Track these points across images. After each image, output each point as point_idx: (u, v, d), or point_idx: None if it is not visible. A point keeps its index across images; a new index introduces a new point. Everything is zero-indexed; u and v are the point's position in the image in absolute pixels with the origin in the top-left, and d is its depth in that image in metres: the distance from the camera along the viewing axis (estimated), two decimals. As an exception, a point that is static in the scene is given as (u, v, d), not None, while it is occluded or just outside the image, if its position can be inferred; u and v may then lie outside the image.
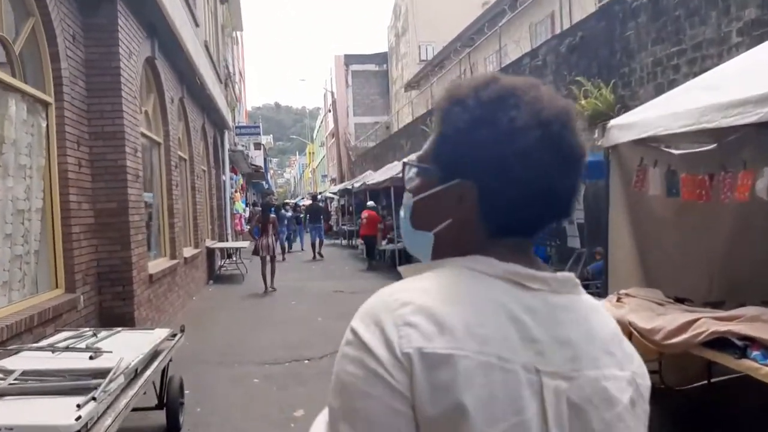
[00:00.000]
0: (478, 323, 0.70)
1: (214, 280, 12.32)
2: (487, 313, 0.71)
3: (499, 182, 0.76)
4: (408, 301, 0.72)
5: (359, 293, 10.08)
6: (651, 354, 3.34)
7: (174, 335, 4.23)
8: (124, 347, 3.45)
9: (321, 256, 16.93)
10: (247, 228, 22.39)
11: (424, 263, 0.84)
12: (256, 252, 11.23)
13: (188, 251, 9.89)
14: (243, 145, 19.65)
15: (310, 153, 70.17)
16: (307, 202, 39.70)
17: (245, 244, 13.89)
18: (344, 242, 21.73)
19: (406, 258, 12.95)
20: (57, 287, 5.08)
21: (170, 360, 3.92)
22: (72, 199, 5.23)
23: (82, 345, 3.51)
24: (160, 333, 4.00)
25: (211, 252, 12.51)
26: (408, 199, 0.87)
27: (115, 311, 5.83)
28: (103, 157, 5.82)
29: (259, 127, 22.38)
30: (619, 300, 3.80)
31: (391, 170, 15.06)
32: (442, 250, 0.82)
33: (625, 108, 7.87)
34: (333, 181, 41.31)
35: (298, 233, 19.50)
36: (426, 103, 25.25)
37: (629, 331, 3.36)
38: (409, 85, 27.77)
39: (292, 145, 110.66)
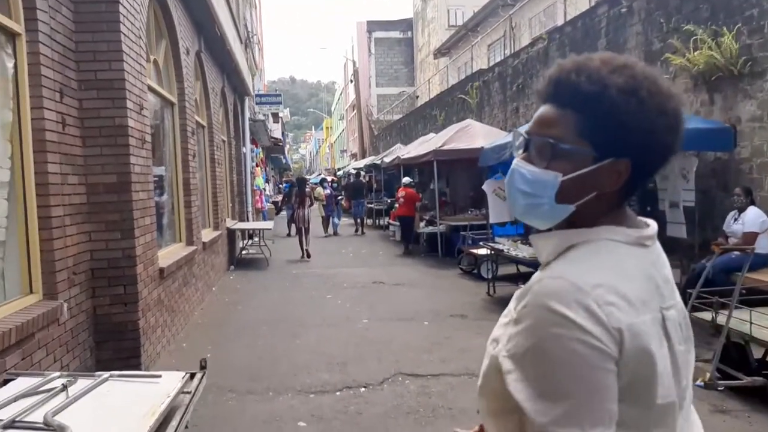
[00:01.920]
0: (642, 292, 0.88)
1: (236, 265, 10.95)
2: (642, 281, 0.90)
3: (648, 160, 0.93)
4: (598, 283, 0.85)
5: (403, 286, 8.64)
6: None
7: (192, 374, 2.81)
8: (108, 419, 2.03)
9: (363, 232, 16.87)
10: (268, 205, 21.19)
11: (557, 233, 0.96)
12: (291, 222, 13.27)
13: (207, 234, 8.49)
14: (264, 115, 18.14)
15: (327, 127, 68.49)
16: (329, 177, 38.35)
17: (269, 224, 12.47)
18: (369, 222, 20.28)
19: (447, 242, 11.48)
20: (31, 292, 3.68)
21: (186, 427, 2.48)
22: (52, 170, 3.80)
23: (38, 413, 2.09)
24: (171, 382, 2.56)
25: (231, 233, 11.12)
26: (548, 175, 0.92)
27: (114, 319, 4.44)
28: (96, 114, 4.36)
29: (280, 95, 20.82)
30: None
31: (428, 143, 13.50)
32: (572, 220, 0.95)
33: (754, 61, 6.22)
34: (353, 156, 39.71)
35: (336, 213, 17.59)
36: (458, 71, 23.46)
37: None
38: (439, 52, 25.97)
39: (307, 120, 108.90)
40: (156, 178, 6.24)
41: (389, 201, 18.33)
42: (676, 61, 7.04)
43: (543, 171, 0.93)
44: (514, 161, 0.98)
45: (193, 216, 7.03)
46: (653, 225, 0.98)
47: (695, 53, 6.79)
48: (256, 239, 12.31)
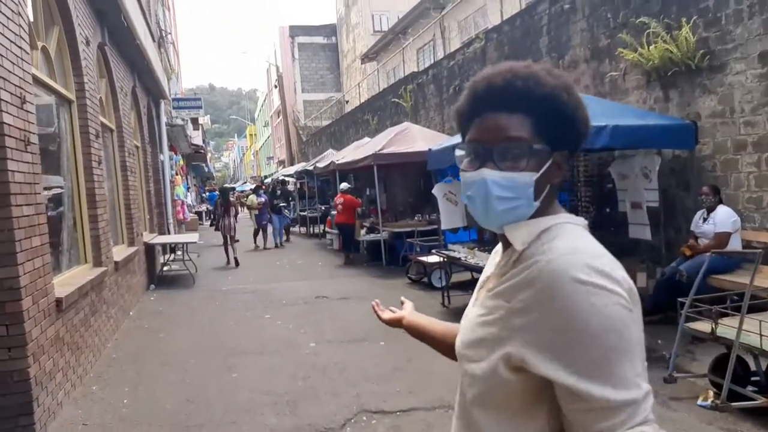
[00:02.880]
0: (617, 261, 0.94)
1: (157, 284, 9.76)
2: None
3: (577, 148, 1.04)
4: (599, 253, 0.92)
5: (350, 300, 7.90)
6: None
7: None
8: None
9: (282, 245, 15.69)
10: (190, 216, 19.75)
11: (528, 221, 0.99)
12: (217, 229, 13.45)
13: (120, 252, 7.36)
14: (182, 120, 16.80)
15: (251, 135, 66.49)
16: (252, 186, 36.90)
17: (193, 237, 11.31)
18: (303, 230, 19.35)
19: (390, 250, 10.85)
20: None
21: None
22: None
23: None
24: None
25: (150, 249, 9.92)
26: (525, 176, 0.97)
27: (-8, 371, 3.41)
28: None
29: (200, 99, 19.39)
30: None
31: (364, 147, 12.85)
32: (535, 213, 1.00)
33: (712, 55, 6.00)
34: (281, 163, 38.45)
35: (277, 220, 15.88)
36: (388, 75, 23.04)
37: None
38: (366, 57, 25.39)
39: (229, 128, 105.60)
40: (53, 190, 5.19)
41: (323, 208, 17.49)
42: (628, 56, 6.76)
43: (519, 174, 0.97)
44: (482, 172, 0.98)
45: (100, 232, 5.96)
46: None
47: (649, 48, 6.52)
48: (180, 253, 11.13)
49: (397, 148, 10.39)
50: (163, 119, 14.06)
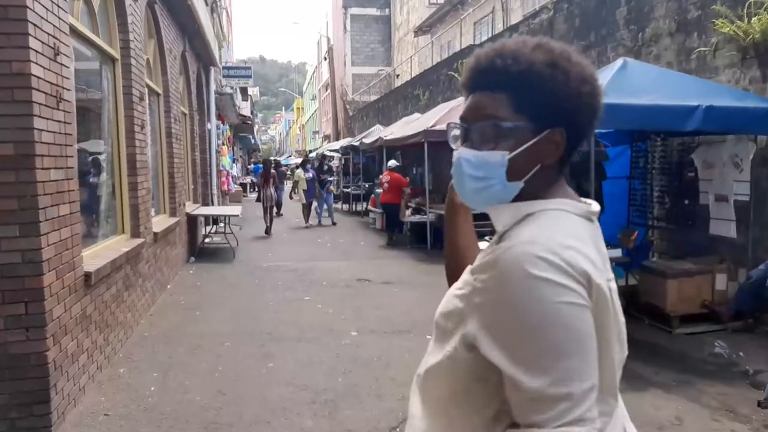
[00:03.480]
0: (594, 258, 0.90)
1: (197, 257, 9.57)
2: (594, 250, 0.92)
3: (579, 125, 0.98)
4: (568, 245, 0.88)
5: (393, 284, 7.47)
6: None
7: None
8: None
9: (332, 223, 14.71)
10: (235, 188, 19.70)
11: (514, 204, 0.98)
12: (259, 200, 14.01)
13: (161, 222, 7.11)
14: (231, 88, 16.56)
15: (298, 108, 66.58)
16: (296, 160, 36.81)
17: (236, 210, 11.06)
18: (345, 207, 19.00)
19: (435, 233, 10.35)
20: None
21: None
22: None
23: None
24: None
25: (192, 220, 9.71)
26: (495, 156, 0.96)
27: (10, 351, 3.12)
28: (-21, 56, 3.00)
29: (250, 68, 19.03)
30: None
31: (414, 123, 12.27)
32: (522, 195, 0.98)
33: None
34: (326, 137, 38.21)
35: (323, 199, 14.71)
36: (441, 49, 22.21)
37: None
38: (420, 30, 24.56)
39: (277, 101, 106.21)
40: (92, 155, 4.90)
41: (367, 186, 17.07)
42: (724, 29, 5.95)
43: (490, 153, 0.96)
44: (457, 151, 1.00)
45: (140, 201, 5.67)
46: (596, 204, 1.02)
47: (750, 20, 5.70)
48: (222, 225, 10.93)
49: (450, 126, 9.78)
50: (212, 87, 13.82)
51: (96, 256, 4.40)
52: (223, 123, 17.59)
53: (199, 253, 9.91)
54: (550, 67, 0.94)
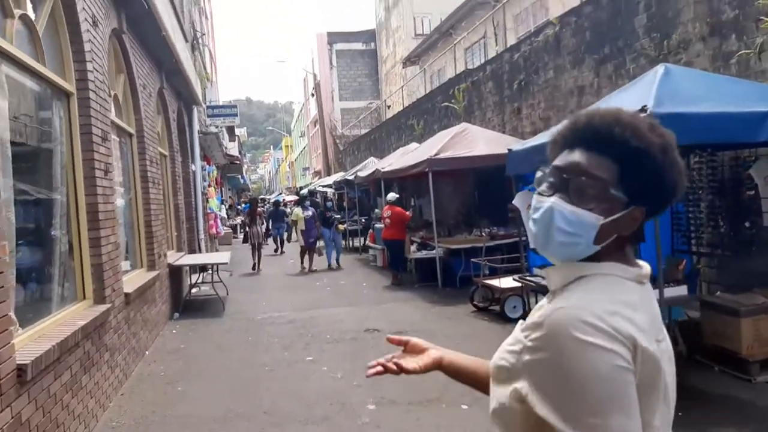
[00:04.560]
0: (645, 323, 0.94)
1: (182, 312, 8.56)
2: (644, 314, 0.96)
3: (661, 209, 1.04)
4: (614, 311, 0.92)
5: (408, 334, 6.38)
6: None
7: None
8: None
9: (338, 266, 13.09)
10: (224, 230, 18.79)
11: (570, 264, 1.02)
12: (246, 239, 14.21)
13: (136, 279, 6.14)
14: (216, 127, 15.77)
15: (286, 146, 66.22)
16: (292, 197, 35.95)
17: (225, 257, 10.08)
18: (342, 244, 18.02)
19: (447, 271, 9.43)
20: None
21: None
22: None
23: None
24: None
25: (176, 271, 8.73)
26: (591, 217, 0.98)
27: None
28: None
29: (235, 107, 18.22)
30: None
31: (414, 153, 11.49)
32: (590, 258, 1.01)
33: None
34: (317, 173, 37.50)
35: (330, 238, 13.09)
36: (431, 79, 21.69)
37: None
38: (408, 60, 24.13)
39: (265, 140, 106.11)
40: (35, 205, 3.98)
41: (363, 220, 16.18)
42: (780, 23, 5.20)
43: (588, 213, 0.98)
44: (552, 200, 1.01)
45: (105, 259, 4.72)
46: (647, 266, 1.05)
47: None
48: (211, 272, 9.93)
49: (455, 152, 9.00)
50: (196, 126, 13.01)
51: (42, 337, 3.43)
52: (209, 164, 16.74)
53: (185, 306, 8.91)
54: (662, 153, 0.98)
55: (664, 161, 0.98)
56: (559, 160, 1.03)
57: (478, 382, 1.27)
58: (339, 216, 13.81)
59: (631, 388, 0.88)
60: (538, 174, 1.06)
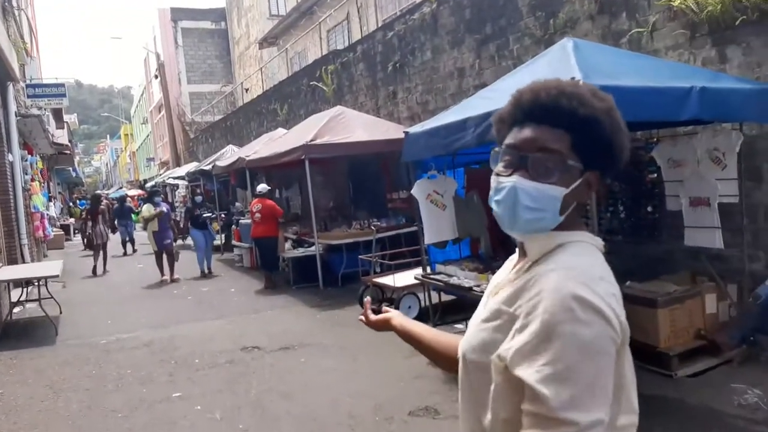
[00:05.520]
0: (616, 289, 0.98)
1: (1, 340, 6.72)
2: (612, 278, 1.00)
3: (612, 171, 1.06)
4: (601, 276, 0.97)
5: (295, 350, 5.64)
6: None
7: None
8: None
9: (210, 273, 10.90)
10: (54, 232, 16.13)
11: (544, 235, 1.03)
12: (89, 243, 12.71)
13: None
14: (40, 109, 13.16)
15: (126, 135, 60.22)
16: (135, 192, 32.44)
17: (55, 267, 8.18)
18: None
19: (327, 269, 8.61)
20: None
21: None
22: None
23: None
24: None
25: (-14, 290, 6.84)
26: (555, 190, 1.00)
27: None
28: None
29: (63, 85, 15.33)
30: None
31: (282, 139, 10.45)
32: (555, 228, 1.03)
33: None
34: (164, 164, 34.30)
35: (203, 241, 10.88)
36: (292, 61, 20.50)
37: None
38: (266, 41, 22.55)
39: (100, 129, 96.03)
40: None
41: (224, 215, 14.65)
42: (675, 2, 5.06)
43: (551, 186, 1.00)
44: (513, 179, 1.01)
45: None
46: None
47: (694, -4, 4.86)
48: (37, 288, 8.04)
49: (332, 138, 8.15)
50: (12, 107, 10.67)
51: None
52: (31, 154, 14.00)
53: (5, 332, 7.06)
54: (608, 116, 1.01)
55: (612, 124, 1.01)
56: (512, 138, 1.04)
57: (431, 350, 1.34)
58: (209, 214, 11.69)
59: (611, 360, 0.92)
60: (492, 154, 1.07)
